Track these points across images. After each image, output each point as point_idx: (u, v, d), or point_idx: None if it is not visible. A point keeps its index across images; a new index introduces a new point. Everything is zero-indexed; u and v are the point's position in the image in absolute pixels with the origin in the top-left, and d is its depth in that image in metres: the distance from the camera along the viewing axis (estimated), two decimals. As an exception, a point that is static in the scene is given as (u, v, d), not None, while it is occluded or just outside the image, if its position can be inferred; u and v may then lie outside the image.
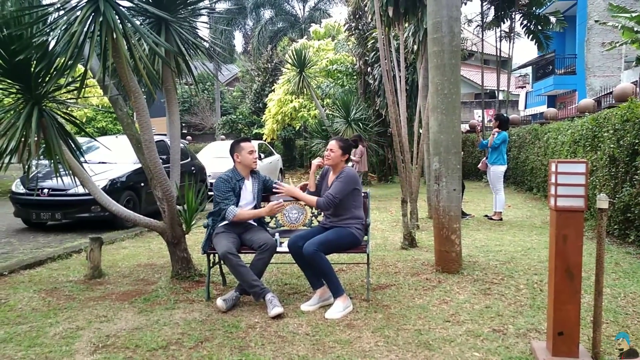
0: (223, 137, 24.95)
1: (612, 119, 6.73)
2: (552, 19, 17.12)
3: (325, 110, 15.53)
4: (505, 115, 10.54)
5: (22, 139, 4.47)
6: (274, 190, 4.70)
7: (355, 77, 17.37)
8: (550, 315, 3.09)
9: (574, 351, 3.00)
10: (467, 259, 5.58)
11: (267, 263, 4.29)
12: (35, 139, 4.47)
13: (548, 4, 17.23)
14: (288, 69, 15.89)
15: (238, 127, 27.13)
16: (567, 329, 3.00)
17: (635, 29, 14.86)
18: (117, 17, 4.05)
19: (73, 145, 4.90)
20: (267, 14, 33.19)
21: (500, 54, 17.45)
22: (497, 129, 8.76)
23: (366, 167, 11.75)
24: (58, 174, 4.77)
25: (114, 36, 4.05)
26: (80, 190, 7.23)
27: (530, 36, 16.84)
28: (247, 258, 4.43)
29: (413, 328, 3.68)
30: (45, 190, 8.01)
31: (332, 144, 4.37)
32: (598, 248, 3.03)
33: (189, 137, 27.18)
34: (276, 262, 5.00)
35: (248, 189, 4.55)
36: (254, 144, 4.97)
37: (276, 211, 4.51)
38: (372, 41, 14.00)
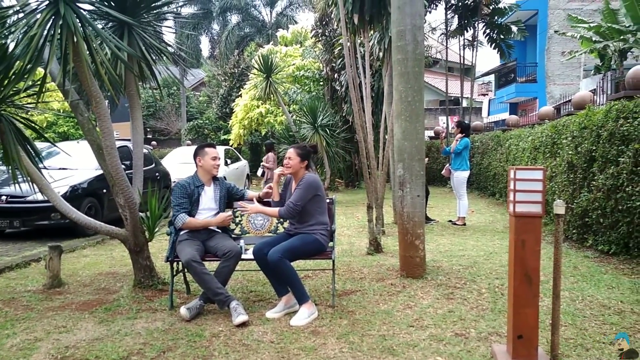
0: (189, 142, 24.68)
1: (570, 126, 6.93)
2: (514, 28, 17.55)
3: (292, 116, 15.53)
4: (466, 122, 10.74)
5: (-22, 145, 4.34)
6: (237, 209, 4.67)
7: (322, 83, 17.42)
8: (510, 319, 3.16)
9: (533, 354, 3.07)
10: (431, 263, 5.65)
11: (232, 270, 4.25)
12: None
13: (510, 13, 17.65)
14: (255, 74, 15.83)
15: (204, 133, 26.89)
16: (526, 332, 3.07)
17: (594, 39, 15.40)
18: (78, 20, 3.97)
19: (32, 151, 4.77)
20: (234, 18, 33.15)
21: (463, 61, 17.79)
22: (459, 135, 8.92)
23: None
24: (16, 181, 4.64)
25: (75, 40, 3.97)
26: (40, 197, 7.05)
27: (493, 45, 17.22)
28: (211, 266, 4.38)
29: (377, 333, 3.71)
30: (3, 197, 7.77)
31: (290, 152, 4.35)
32: (555, 253, 3.11)
33: (153, 143, 26.77)
34: (241, 269, 4.97)
35: (208, 195, 4.50)
36: (220, 150, 4.93)
37: (228, 222, 4.49)
38: (339, 48, 14.07)
